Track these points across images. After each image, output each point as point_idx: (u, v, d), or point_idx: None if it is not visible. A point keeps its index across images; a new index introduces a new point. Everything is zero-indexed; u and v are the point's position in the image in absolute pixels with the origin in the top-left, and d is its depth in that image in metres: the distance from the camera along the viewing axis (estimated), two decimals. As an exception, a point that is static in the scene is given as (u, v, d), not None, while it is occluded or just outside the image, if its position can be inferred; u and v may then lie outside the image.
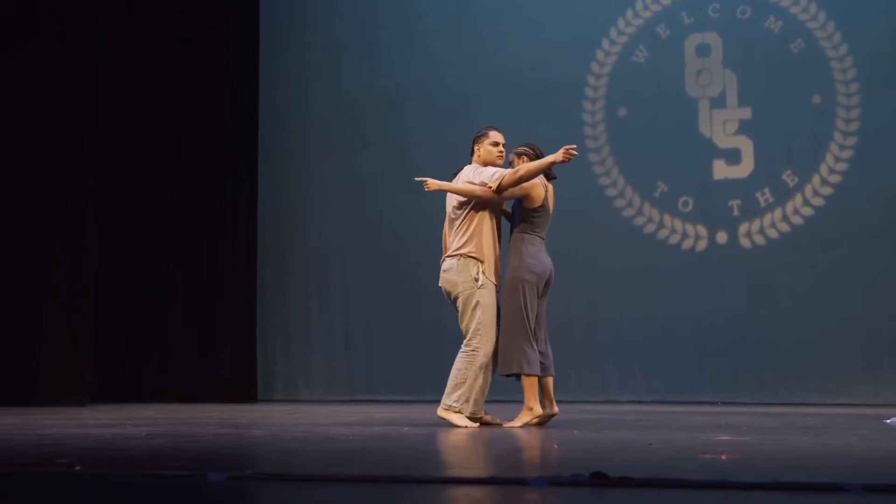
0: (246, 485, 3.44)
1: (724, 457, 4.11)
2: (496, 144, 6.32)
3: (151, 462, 4.04)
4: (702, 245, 9.60)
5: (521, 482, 3.36)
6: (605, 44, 9.96)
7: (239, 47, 10.51)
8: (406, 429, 5.88)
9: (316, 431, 5.66)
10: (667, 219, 9.64)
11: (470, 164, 6.36)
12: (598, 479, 3.30)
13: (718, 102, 9.63)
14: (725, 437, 5.13)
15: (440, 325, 9.17)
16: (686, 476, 3.41)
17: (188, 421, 6.66)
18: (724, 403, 9.12)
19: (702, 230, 9.60)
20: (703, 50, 9.73)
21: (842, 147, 9.35)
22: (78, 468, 3.73)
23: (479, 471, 3.78)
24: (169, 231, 10.13)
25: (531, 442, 5.12)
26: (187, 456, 4.32)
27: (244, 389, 9.97)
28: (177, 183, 10.17)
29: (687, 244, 9.62)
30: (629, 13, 9.93)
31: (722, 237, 9.56)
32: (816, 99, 9.44)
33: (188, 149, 10.19)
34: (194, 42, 10.29)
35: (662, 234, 9.66)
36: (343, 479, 3.52)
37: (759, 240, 9.47)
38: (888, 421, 6.57)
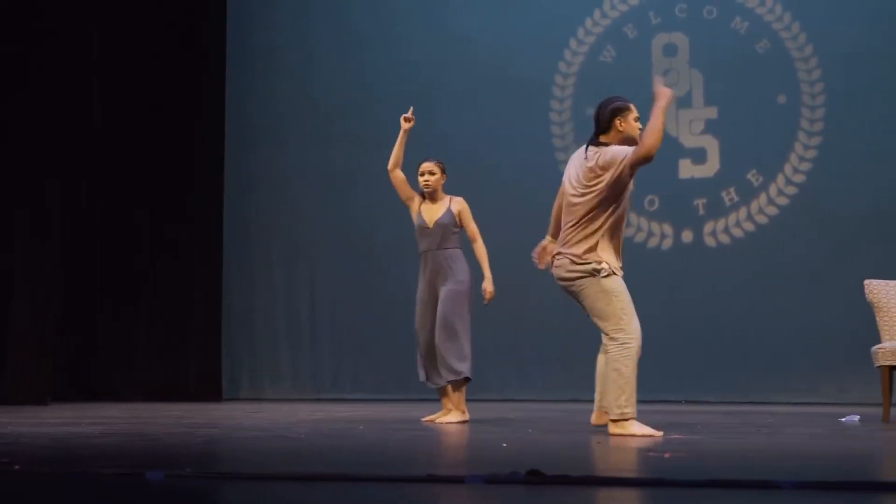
0: (185, 483, 3.43)
1: (667, 455, 4.12)
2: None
3: (96, 461, 4.02)
4: (667, 244, 9.64)
5: (458, 480, 3.36)
6: (573, 43, 9.98)
7: (207, 45, 10.47)
8: (361, 427, 5.88)
9: (271, 430, 5.66)
10: (633, 217, 9.65)
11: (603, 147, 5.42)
12: (535, 477, 3.31)
13: (685, 102, 9.65)
14: (678, 436, 5.15)
15: (406, 323, 9.16)
16: (622, 474, 3.42)
17: (146, 420, 6.64)
18: (688, 402, 9.15)
19: (668, 229, 9.64)
20: (669, 50, 9.76)
21: (806, 147, 9.39)
22: (17, 467, 3.71)
23: (419, 469, 3.78)
24: (135, 229, 10.10)
25: (481, 441, 5.12)
26: (134, 454, 4.30)
27: (209, 388, 9.95)
28: (143, 181, 10.13)
29: (653, 243, 9.65)
30: (597, 13, 9.95)
31: (687, 236, 9.59)
32: (781, 99, 9.48)
33: (155, 147, 10.14)
34: (162, 37, 10.25)
35: (628, 232, 9.66)
36: (281, 477, 3.52)
37: (724, 239, 9.51)
38: (844, 419, 6.61)
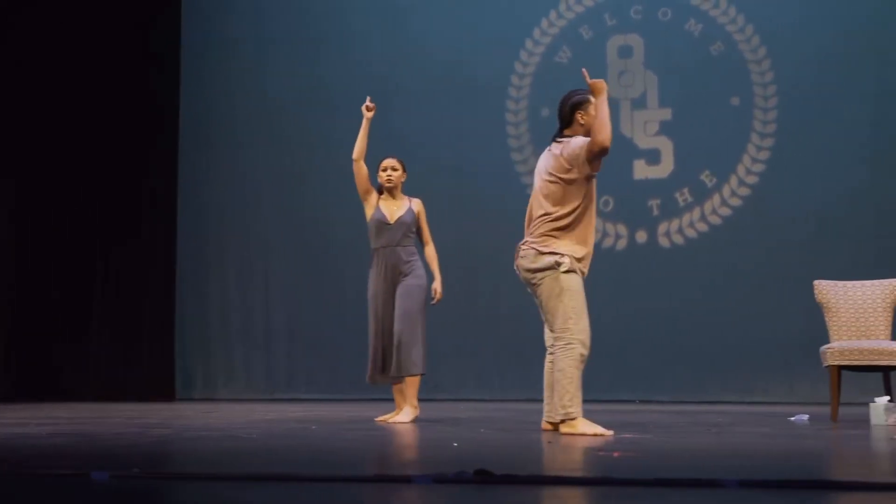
0: (131, 484, 3.40)
1: (616, 454, 4.14)
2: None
3: (41, 461, 3.98)
4: (622, 244, 9.69)
5: (406, 480, 3.36)
6: (529, 44, 10.01)
7: (162, 42, 10.41)
8: (314, 427, 5.86)
9: (223, 430, 5.62)
10: (588, 218, 9.70)
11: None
12: (483, 477, 3.31)
13: (639, 103, 9.72)
14: (629, 435, 5.17)
15: (362, 322, 9.15)
16: (570, 473, 3.43)
17: (96, 420, 6.58)
18: (641, 401, 9.21)
19: (622, 229, 9.69)
20: (624, 51, 9.82)
21: (759, 148, 9.48)
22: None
23: (368, 468, 3.77)
24: (87, 228, 10.02)
25: (433, 440, 5.12)
26: (80, 455, 4.25)
27: (162, 388, 9.90)
28: (96, 179, 10.05)
29: (607, 243, 9.70)
30: (552, 14, 9.99)
31: (641, 236, 9.65)
32: (735, 101, 9.56)
33: (108, 143, 10.07)
34: (115, 31, 10.17)
35: (583, 232, 9.71)
36: (228, 478, 3.50)
37: (678, 239, 9.58)
38: (793, 419, 6.68)
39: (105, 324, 9.98)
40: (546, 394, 5.61)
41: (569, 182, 5.33)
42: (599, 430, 5.19)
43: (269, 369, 10.22)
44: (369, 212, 6.67)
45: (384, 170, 6.69)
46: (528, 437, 5.23)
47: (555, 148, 5.43)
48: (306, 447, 4.70)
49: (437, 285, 6.65)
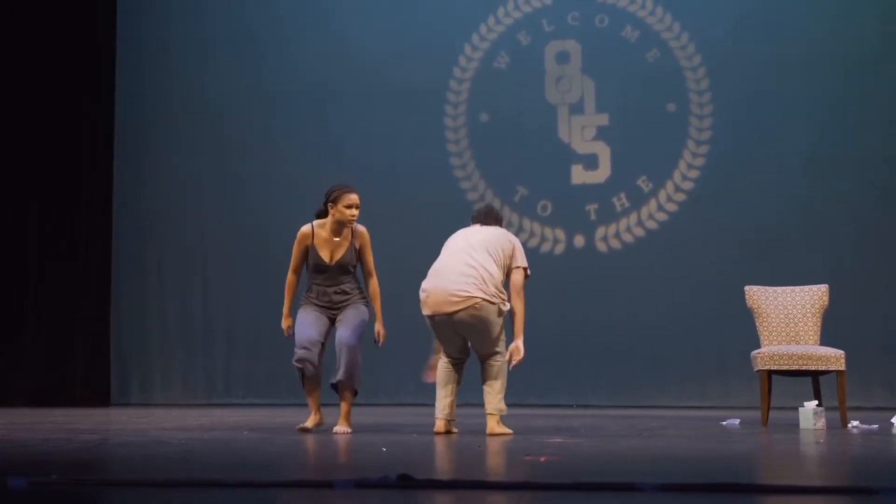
0: (50, 490, 3.35)
1: (542, 459, 4.16)
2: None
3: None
4: (560, 248, 9.74)
5: (327, 485, 3.35)
6: (468, 49, 10.04)
7: (98, 43, 10.30)
8: (246, 433, 5.83)
9: (152, 436, 5.57)
10: (526, 222, 9.76)
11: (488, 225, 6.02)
12: (405, 482, 3.31)
13: (577, 109, 9.78)
14: (559, 440, 5.20)
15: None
16: (493, 477, 3.44)
17: (24, 426, 6.49)
18: (580, 406, 9.26)
19: (560, 234, 9.74)
20: (562, 57, 9.88)
21: (694, 154, 9.58)
22: None
23: (293, 473, 3.76)
24: (21, 229, 9.87)
25: (363, 445, 5.11)
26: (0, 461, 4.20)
27: (97, 393, 9.79)
28: (30, 180, 9.91)
29: (545, 247, 9.75)
30: (491, 19, 10.02)
31: (579, 241, 9.71)
32: (671, 107, 9.66)
33: (42, 144, 9.94)
34: (51, 35, 10.03)
35: (521, 237, 9.73)
36: (147, 484, 3.47)
37: (615, 244, 9.65)
38: (725, 423, 6.75)
39: (38, 328, 9.83)
40: (451, 396, 5.92)
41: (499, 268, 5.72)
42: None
43: (207, 374, 10.14)
44: (302, 254, 6.14)
45: (349, 207, 5.97)
46: (459, 442, 5.24)
47: (510, 237, 5.88)
48: (233, 452, 4.67)
49: (379, 326, 6.11)
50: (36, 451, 4.65)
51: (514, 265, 5.77)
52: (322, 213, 6.13)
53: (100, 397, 9.75)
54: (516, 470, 3.86)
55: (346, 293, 6.08)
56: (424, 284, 5.78)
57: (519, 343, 5.75)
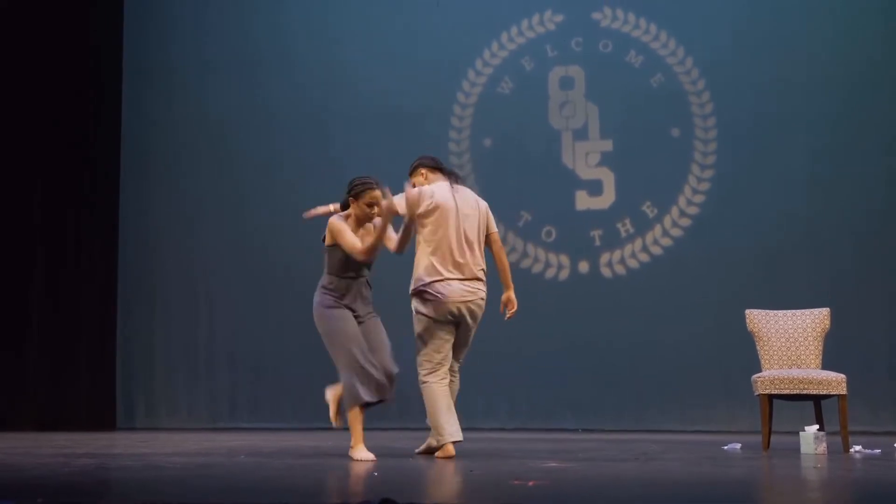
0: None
1: (531, 483, 4.15)
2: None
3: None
4: (564, 274, 9.74)
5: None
6: (471, 74, 10.08)
7: (104, 65, 10.39)
8: (242, 457, 5.83)
9: (148, 460, 5.58)
10: (530, 248, 9.77)
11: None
12: (384, 506, 3.32)
13: (581, 134, 9.80)
14: (553, 464, 5.18)
15: (306, 350, 9.12)
16: (476, 502, 3.44)
17: (25, 450, 6.50)
18: (584, 430, 9.23)
19: (564, 260, 9.74)
20: (566, 83, 9.91)
21: (699, 179, 9.58)
22: None
23: (277, 497, 3.76)
24: (27, 252, 9.92)
25: (356, 469, 5.10)
26: (-7, 485, 4.21)
27: (103, 417, 9.81)
28: (35, 203, 9.97)
29: (550, 273, 9.75)
30: (495, 45, 10.07)
31: (584, 267, 9.71)
32: (675, 132, 9.67)
33: (48, 166, 10.00)
34: (59, 56, 10.11)
35: (526, 263, 9.77)
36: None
37: (620, 269, 9.64)
38: (726, 447, 6.72)
39: (44, 353, 9.86)
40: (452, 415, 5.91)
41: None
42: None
43: (211, 398, 10.16)
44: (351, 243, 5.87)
45: (371, 206, 5.89)
46: (454, 466, 5.22)
47: (483, 207, 6.08)
48: (224, 477, 4.67)
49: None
50: (30, 476, 4.66)
51: (490, 231, 6.09)
52: (346, 205, 6.02)
53: (106, 421, 9.78)
54: (501, 494, 3.85)
55: (368, 286, 6.02)
56: (439, 287, 5.88)
57: (511, 294, 6.12)
